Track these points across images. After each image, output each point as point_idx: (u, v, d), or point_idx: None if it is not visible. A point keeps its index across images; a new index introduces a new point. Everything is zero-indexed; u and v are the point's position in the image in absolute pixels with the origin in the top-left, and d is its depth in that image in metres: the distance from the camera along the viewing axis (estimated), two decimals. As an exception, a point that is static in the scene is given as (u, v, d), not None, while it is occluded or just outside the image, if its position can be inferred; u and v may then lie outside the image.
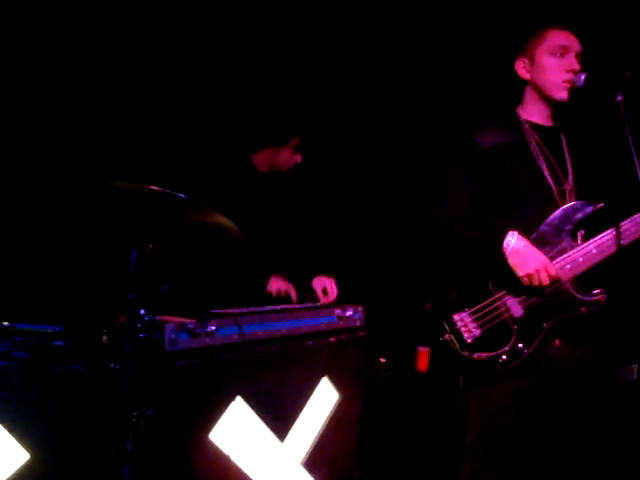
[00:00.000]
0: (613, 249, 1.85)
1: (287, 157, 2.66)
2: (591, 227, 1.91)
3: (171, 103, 2.97)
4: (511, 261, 1.84)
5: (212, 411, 1.84)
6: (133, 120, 2.87)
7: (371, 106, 3.54)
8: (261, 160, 2.68)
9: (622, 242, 1.84)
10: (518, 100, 2.09)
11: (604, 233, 1.88)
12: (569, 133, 2.07)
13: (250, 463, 1.95)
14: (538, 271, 1.82)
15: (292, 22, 3.22)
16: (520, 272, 1.84)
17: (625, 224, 1.86)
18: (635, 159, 1.67)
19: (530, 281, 1.83)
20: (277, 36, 3.20)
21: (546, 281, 1.83)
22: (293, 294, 2.56)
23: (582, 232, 1.93)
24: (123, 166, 2.67)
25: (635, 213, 1.86)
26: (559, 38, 1.96)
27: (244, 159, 2.68)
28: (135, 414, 1.57)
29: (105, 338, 1.70)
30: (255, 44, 3.16)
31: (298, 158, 2.67)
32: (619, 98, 1.75)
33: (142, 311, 1.66)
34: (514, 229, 1.86)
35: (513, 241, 1.84)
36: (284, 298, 2.54)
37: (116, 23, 2.84)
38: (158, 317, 1.73)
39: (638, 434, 2.62)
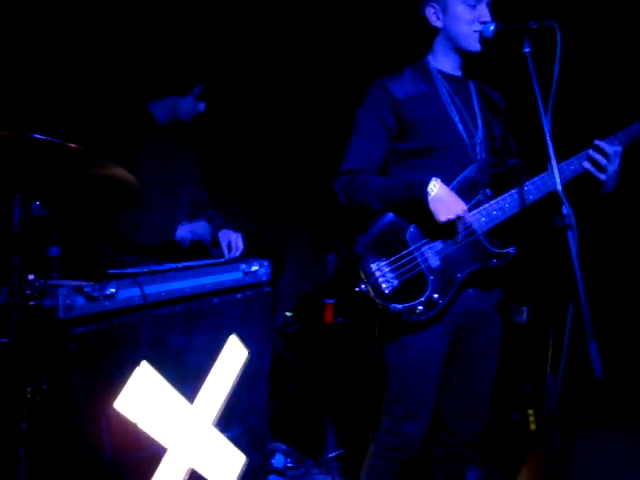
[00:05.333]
0: (521, 206, 1.90)
1: (190, 106, 2.46)
2: (504, 182, 1.94)
3: (62, 45, 2.63)
4: (433, 206, 1.83)
5: (115, 379, 1.72)
6: (15, 60, 2.51)
7: (277, 51, 3.39)
8: (161, 109, 2.47)
9: (524, 203, 1.89)
10: (427, 46, 2.04)
11: (514, 190, 1.91)
12: (478, 85, 2.07)
13: (159, 429, 1.86)
14: (459, 217, 1.83)
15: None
16: (442, 217, 1.83)
17: (527, 185, 1.90)
18: (541, 112, 1.69)
19: (449, 227, 1.83)
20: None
21: (464, 228, 1.84)
22: (206, 234, 2.41)
23: (495, 186, 1.94)
24: (3, 111, 2.35)
25: (541, 166, 1.91)
26: None
27: (140, 107, 2.45)
28: (29, 390, 1.42)
29: (-12, 308, 1.51)
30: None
31: (201, 107, 2.49)
32: (526, 50, 1.75)
33: (31, 276, 1.48)
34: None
35: (436, 187, 1.83)
36: (197, 245, 2.39)
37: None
38: (50, 282, 1.56)
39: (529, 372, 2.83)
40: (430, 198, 1.82)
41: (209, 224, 2.47)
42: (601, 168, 1.86)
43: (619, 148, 1.86)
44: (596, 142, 1.87)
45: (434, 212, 1.83)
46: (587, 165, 1.88)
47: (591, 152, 1.87)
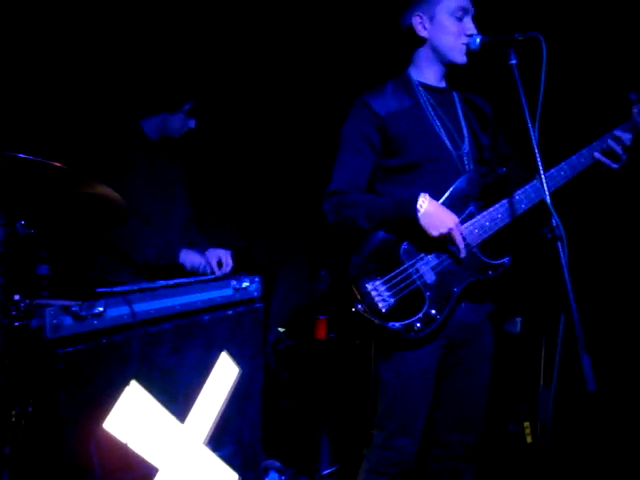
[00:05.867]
0: (513, 216, 1.89)
1: (180, 123, 2.47)
2: (495, 192, 1.93)
3: (52, 62, 2.63)
4: (424, 222, 1.81)
5: (104, 399, 1.70)
6: (2, 77, 2.51)
7: (265, 68, 3.41)
8: (152, 126, 2.47)
9: (515, 212, 1.89)
10: (407, 58, 2.02)
11: (505, 200, 1.90)
12: (462, 94, 2.07)
13: (150, 449, 1.83)
14: (451, 230, 1.81)
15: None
16: (433, 232, 1.81)
17: (518, 194, 1.89)
18: (529, 123, 1.69)
19: (443, 241, 1.82)
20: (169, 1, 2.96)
21: (460, 241, 1.82)
22: (208, 269, 2.44)
23: (486, 197, 1.93)
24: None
25: (530, 176, 1.91)
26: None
27: (132, 125, 2.46)
28: (14, 413, 1.39)
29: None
30: (144, 6, 2.88)
31: (192, 124, 2.50)
32: (513, 62, 1.75)
33: (16, 296, 1.46)
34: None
35: (425, 203, 1.81)
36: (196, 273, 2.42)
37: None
38: (37, 302, 1.54)
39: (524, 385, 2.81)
40: (420, 214, 1.81)
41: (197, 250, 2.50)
42: (617, 157, 1.90)
43: (630, 136, 1.92)
44: (615, 132, 1.92)
45: (426, 228, 1.82)
46: (601, 157, 1.92)
47: (610, 142, 1.91)
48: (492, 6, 2.17)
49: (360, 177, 1.94)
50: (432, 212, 1.81)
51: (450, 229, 1.81)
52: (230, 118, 3.32)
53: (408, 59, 2.04)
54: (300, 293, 3.61)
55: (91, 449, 1.64)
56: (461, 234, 1.84)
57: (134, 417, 1.78)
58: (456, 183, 1.91)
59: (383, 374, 1.95)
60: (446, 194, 1.90)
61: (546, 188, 1.66)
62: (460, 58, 1.93)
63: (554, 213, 1.64)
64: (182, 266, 2.43)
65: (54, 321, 1.57)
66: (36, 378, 1.52)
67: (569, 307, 1.55)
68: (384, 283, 1.85)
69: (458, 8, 1.90)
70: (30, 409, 1.43)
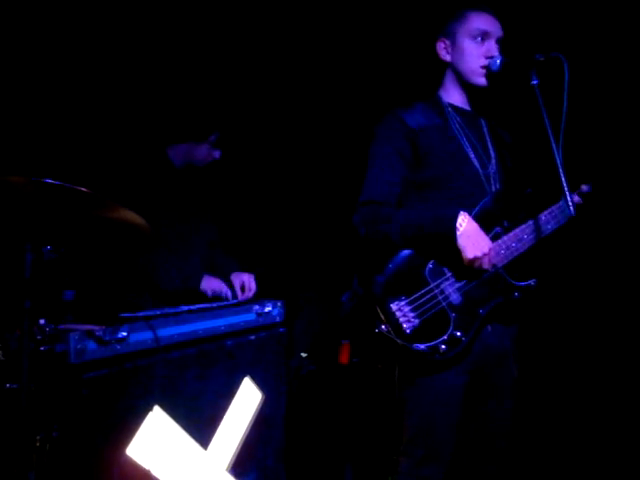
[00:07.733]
0: (540, 237, 1.86)
1: (205, 153, 2.52)
2: (521, 213, 1.91)
3: (81, 89, 2.71)
4: (462, 242, 1.77)
5: (128, 424, 1.69)
6: (32, 104, 2.57)
7: (291, 98, 3.46)
8: (177, 154, 2.52)
9: (542, 233, 1.86)
10: (439, 81, 2.04)
11: (531, 221, 1.87)
12: (487, 117, 2.06)
13: (173, 475, 1.81)
14: (485, 255, 1.79)
15: (214, 13, 3.06)
16: (469, 254, 1.78)
17: (544, 215, 1.87)
18: (552, 143, 1.68)
19: (476, 264, 1.79)
20: (198, 29, 3.03)
21: (488, 266, 1.80)
22: (229, 294, 2.46)
23: (512, 218, 1.91)
24: (15, 157, 2.40)
25: (555, 196, 1.89)
26: (480, 22, 1.93)
27: (159, 152, 2.51)
28: (39, 438, 1.39)
29: (-1, 354, 1.50)
30: (175, 36, 2.96)
31: (217, 154, 2.54)
32: (534, 82, 1.75)
33: (42, 321, 1.47)
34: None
35: (465, 222, 1.79)
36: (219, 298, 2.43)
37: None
38: (61, 326, 1.55)
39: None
40: (459, 233, 1.77)
41: (221, 276, 2.51)
42: None
43: None
44: None
45: (462, 248, 1.78)
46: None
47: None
48: (520, 29, 2.18)
49: (392, 190, 1.90)
50: (471, 233, 1.78)
51: (485, 253, 1.78)
52: (251, 143, 3.36)
53: (439, 82, 2.06)
54: (323, 318, 3.59)
55: (114, 475, 1.63)
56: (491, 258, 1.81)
57: (157, 443, 1.77)
58: (482, 202, 1.88)
59: (407, 398, 1.90)
60: (473, 212, 1.86)
61: (572, 205, 1.64)
62: (479, 80, 1.93)
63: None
64: (204, 294, 2.45)
65: (78, 346, 1.57)
66: (60, 403, 1.52)
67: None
68: (409, 303, 1.81)
69: (478, 30, 1.92)
70: (55, 434, 1.43)
